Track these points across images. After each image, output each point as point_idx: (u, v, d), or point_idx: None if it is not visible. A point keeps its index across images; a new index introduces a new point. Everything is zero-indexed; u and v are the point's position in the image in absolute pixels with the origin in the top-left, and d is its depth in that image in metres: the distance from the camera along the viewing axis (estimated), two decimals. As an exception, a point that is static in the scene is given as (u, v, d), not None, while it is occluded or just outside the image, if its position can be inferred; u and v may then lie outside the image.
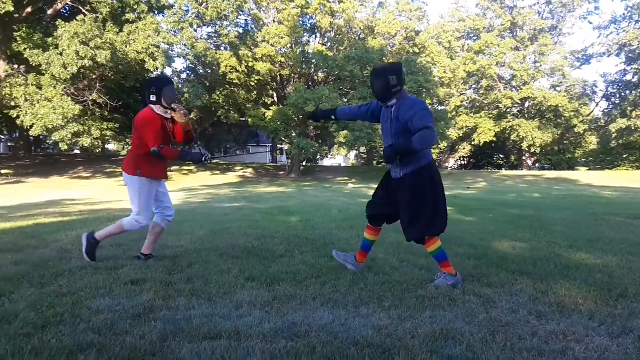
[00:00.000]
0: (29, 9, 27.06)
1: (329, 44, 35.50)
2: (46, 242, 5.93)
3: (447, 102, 47.18)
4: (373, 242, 4.47)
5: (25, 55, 23.67)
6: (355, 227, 7.43)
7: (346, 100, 33.08)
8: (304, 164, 38.77)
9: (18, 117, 23.95)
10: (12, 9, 21.86)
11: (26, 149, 44.64)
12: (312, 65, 34.91)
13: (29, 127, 24.11)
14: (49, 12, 28.14)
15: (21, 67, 25.78)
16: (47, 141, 52.03)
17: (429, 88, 33.67)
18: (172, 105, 4.74)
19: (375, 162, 53.83)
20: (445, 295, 3.63)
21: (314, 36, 37.29)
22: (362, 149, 52.61)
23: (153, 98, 4.64)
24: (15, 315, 3.06)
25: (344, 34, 34.33)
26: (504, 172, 45.30)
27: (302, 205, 12.09)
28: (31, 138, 43.26)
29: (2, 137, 46.88)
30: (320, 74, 36.75)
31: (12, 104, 24.77)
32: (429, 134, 3.78)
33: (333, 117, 4.62)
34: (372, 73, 4.14)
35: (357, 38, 35.23)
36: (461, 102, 50.95)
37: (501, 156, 61.47)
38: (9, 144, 55.40)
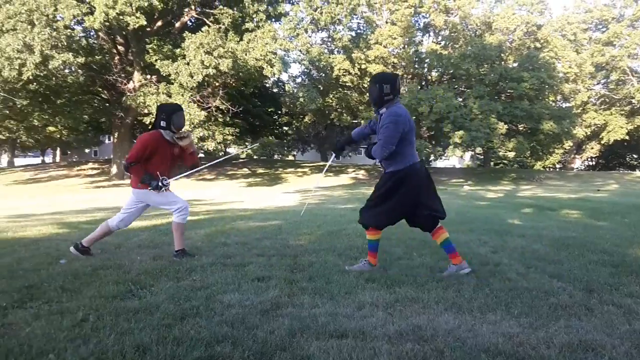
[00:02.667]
0: (159, 23, 29.33)
1: (443, 42, 34.71)
2: (178, 239, 6.36)
3: (572, 98, 44.11)
4: (378, 240, 4.63)
5: (157, 66, 25.63)
6: (475, 230, 7.19)
7: (461, 99, 32.13)
8: (417, 165, 38.16)
9: (151, 123, 25.98)
10: (144, 22, 23.79)
11: (157, 152, 48.30)
12: (426, 65, 34.34)
13: (160, 133, 26.06)
14: (177, 24, 30.30)
15: (153, 77, 27.98)
16: (175, 145, 55.98)
17: (552, 84, 31.80)
18: (180, 132, 5.02)
19: (492, 163, 51.68)
20: (581, 304, 3.39)
21: (427, 35, 36.69)
22: (478, 150, 50.82)
23: (163, 124, 4.95)
24: (157, 306, 3.31)
25: (459, 31, 33.37)
26: (638, 173, 41.44)
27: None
28: (161, 143, 46.78)
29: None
30: (433, 73, 36.05)
31: (145, 111, 26.96)
32: (377, 149, 4.36)
33: (352, 141, 4.99)
34: (370, 80, 4.58)
35: (473, 35, 34.08)
36: (588, 98, 47.33)
37: (634, 156, 56.25)
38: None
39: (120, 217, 5.21)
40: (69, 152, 64.69)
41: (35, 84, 25.48)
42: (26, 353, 2.45)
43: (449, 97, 29.27)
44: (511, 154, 47.50)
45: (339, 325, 2.94)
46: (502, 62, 32.92)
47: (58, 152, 66.10)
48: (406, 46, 32.57)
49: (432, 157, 41.73)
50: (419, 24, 35.15)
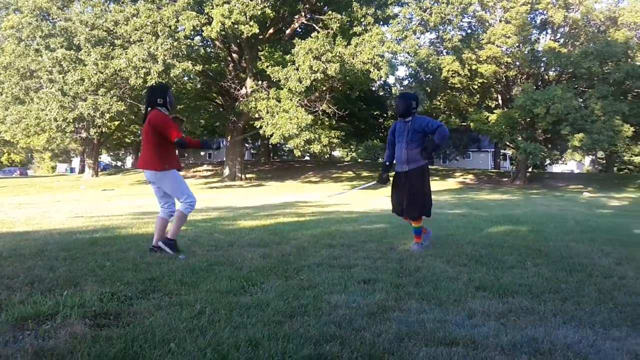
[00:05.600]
0: (271, 30, 30.44)
1: (562, 39, 32.75)
2: (286, 239, 6.54)
3: None
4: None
5: (268, 72, 26.59)
6: (596, 240, 6.68)
7: (582, 100, 30.07)
8: (531, 170, 36.23)
9: (261, 127, 27.02)
10: (257, 30, 24.79)
11: (266, 155, 50.27)
12: (542, 64, 32.61)
13: (269, 136, 27.03)
14: (287, 31, 31.27)
15: (264, 82, 29.08)
16: (283, 148, 57.86)
17: (688, 82, 28.78)
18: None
19: (616, 169, 47.76)
20: None
21: (544, 33, 34.82)
22: (600, 154, 47.21)
23: (160, 101, 5.20)
24: (267, 303, 3.40)
25: (580, 28, 31.29)
26: None
27: (531, 214, 11.33)
28: (270, 146, 48.54)
29: (247, 145, 53.46)
30: (551, 73, 34.15)
31: (256, 115, 28.07)
32: (444, 129, 5.54)
33: (388, 164, 6.08)
34: (400, 97, 5.89)
35: (596, 31, 31.80)
36: None
37: None
38: (252, 152, 63.10)
39: (187, 200, 5.37)
40: (185, 155, 69.03)
41: (158, 91, 27.41)
42: (150, 340, 2.62)
43: (568, 97, 27.56)
44: (638, 159, 43.71)
45: (448, 332, 2.85)
46: (629, 60, 30.40)
47: (177, 154, 70.72)
48: (521, 45, 31.14)
49: (547, 161, 39.50)
50: (535, 22, 33.48)
